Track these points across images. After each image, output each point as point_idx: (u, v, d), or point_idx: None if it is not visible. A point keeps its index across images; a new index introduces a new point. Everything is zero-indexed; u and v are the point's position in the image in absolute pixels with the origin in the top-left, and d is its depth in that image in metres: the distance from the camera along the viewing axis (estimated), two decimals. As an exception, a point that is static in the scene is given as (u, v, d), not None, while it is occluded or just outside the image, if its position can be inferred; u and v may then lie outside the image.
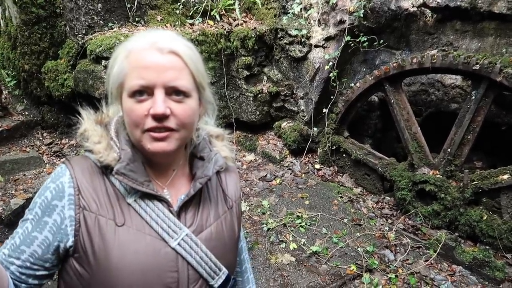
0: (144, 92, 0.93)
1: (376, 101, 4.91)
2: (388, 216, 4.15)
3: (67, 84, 4.63)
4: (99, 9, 4.39)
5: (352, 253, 3.54)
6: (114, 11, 4.47)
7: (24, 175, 4.31)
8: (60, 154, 4.80)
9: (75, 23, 4.44)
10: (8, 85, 5.43)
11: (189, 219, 1.03)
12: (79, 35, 4.49)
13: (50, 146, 4.92)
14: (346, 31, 4.30)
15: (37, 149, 4.83)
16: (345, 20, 4.33)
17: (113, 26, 4.46)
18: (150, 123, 0.92)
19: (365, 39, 4.23)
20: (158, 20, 4.67)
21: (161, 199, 1.01)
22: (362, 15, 4.13)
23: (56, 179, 0.98)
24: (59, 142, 4.99)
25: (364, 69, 4.70)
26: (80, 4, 4.31)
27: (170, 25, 4.70)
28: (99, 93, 4.25)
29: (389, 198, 4.42)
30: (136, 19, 4.59)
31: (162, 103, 0.91)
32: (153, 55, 0.93)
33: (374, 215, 4.14)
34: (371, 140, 5.02)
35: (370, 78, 4.22)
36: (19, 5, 4.54)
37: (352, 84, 4.54)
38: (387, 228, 3.93)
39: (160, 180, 1.07)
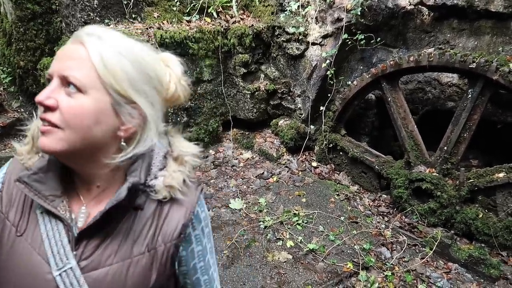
0: (48, 82, 0.85)
1: (373, 99, 4.92)
2: (385, 214, 4.17)
3: (63, 81, 4.61)
4: (95, 6, 4.37)
5: (348, 251, 3.55)
6: (110, 8, 4.45)
7: (20, 172, 4.28)
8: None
9: (71, 19, 4.41)
10: (3, 81, 5.39)
11: (88, 251, 0.87)
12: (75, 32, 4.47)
13: (46, 143, 4.89)
14: (344, 29, 4.30)
15: (33, 146, 4.80)
16: (343, 18, 4.32)
17: (109, 23, 4.44)
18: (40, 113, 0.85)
19: (362, 37, 4.24)
20: (154, 17, 4.65)
21: (61, 219, 0.88)
22: (359, 13, 4.13)
23: None
24: (55, 140, 4.97)
25: (361, 67, 4.71)
26: (76, 0, 4.28)
27: (167, 21, 4.68)
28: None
29: (385, 196, 4.43)
30: (133, 15, 4.56)
31: (47, 91, 0.82)
32: (66, 45, 0.86)
33: (371, 213, 4.15)
34: (368, 138, 5.03)
35: (367, 76, 4.22)
36: (14, 1, 4.50)
37: (349, 82, 4.54)
38: (383, 226, 3.95)
39: (85, 195, 0.94)
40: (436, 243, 3.61)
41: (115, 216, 0.88)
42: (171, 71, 0.96)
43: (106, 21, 4.43)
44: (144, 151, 0.92)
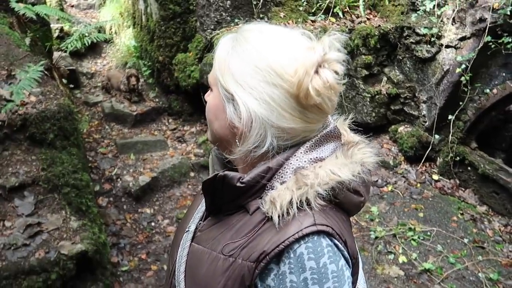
0: None
1: (515, 111, 4.32)
2: (519, 243, 3.64)
3: (193, 76, 5.00)
4: (228, 6, 4.65)
5: (471, 278, 3.19)
6: (241, 8, 4.69)
7: (151, 155, 4.80)
8: (182, 140, 5.23)
9: (205, 19, 4.77)
10: (144, 74, 6.09)
11: (205, 226, 0.94)
12: (208, 30, 4.81)
13: (174, 131, 5.39)
14: (487, 31, 3.84)
15: (163, 133, 5.33)
16: (486, 18, 3.86)
17: (238, 22, 4.67)
18: None
19: (510, 40, 3.73)
20: (281, 17, 4.76)
21: None
22: (508, 13, 3.65)
23: None
24: (181, 129, 5.44)
25: (504, 74, 4.15)
26: (211, 1, 4.61)
27: (292, 21, 4.75)
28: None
29: (521, 222, 3.87)
30: (261, 15, 4.74)
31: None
32: None
33: (502, 240, 3.66)
34: (504, 155, 4.44)
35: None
36: (159, 2, 5.03)
37: (488, 90, 4.05)
38: (516, 257, 3.45)
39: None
40: None
41: (224, 206, 0.88)
42: (306, 59, 0.78)
43: (236, 20, 4.68)
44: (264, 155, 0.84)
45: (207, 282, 0.84)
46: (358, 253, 0.91)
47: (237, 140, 0.86)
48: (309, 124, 0.83)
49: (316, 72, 0.77)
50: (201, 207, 1.02)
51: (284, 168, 0.83)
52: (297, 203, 0.78)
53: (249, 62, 0.80)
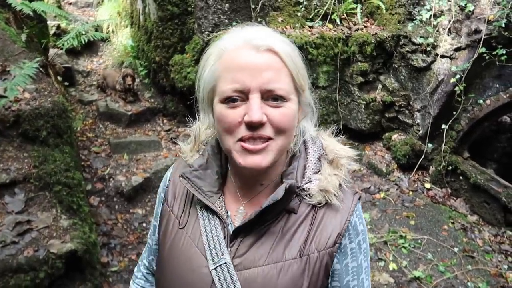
0: (238, 96, 0.82)
1: (507, 121, 4.37)
2: (509, 253, 3.66)
3: (189, 77, 4.99)
4: (226, 9, 4.65)
5: (460, 287, 3.22)
6: (239, 11, 4.70)
7: (145, 156, 4.78)
8: (176, 141, 5.22)
9: (203, 21, 4.77)
10: (140, 74, 6.07)
11: (242, 249, 0.88)
12: (205, 32, 4.81)
13: (168, 132, 5.37)
14: (482, 42, 3.89)
15: (157, 133, 5.31)
16: (481, 30, 3.91)
17: (236, 26, 4.69)
18: (243, 131, 0.82)
19: (504, 52, 3.77)
20: (279, 22, 4.77)
21: (218, 215, 0.92)
22: (503, 25, 3.69)
23: (167, 171, 1.11)
24: (176, 130, 5.42)
25: (497, 85, 4.19)
26: (210, 3, 4.61)
27: (290, 26, 4.77)
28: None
29: (511, 233, 3.89)
30: (259, 19, 4.75)
31: (258, 110, 0.80)
32: (248, 54, 0.82)
33: (491, 249, 3.68)
34: (495, 165, 4.48)
35: (505, 96, 3.76)
36: (157, 3, 5.03)
37: (481, 101, 4.09)
38: (505, 267, 3.47)
39: (245, 193, 0.95)
40: None
41: (269, 217, 0.87)
42: None
43: (234, 23, 4.68)
44: (300, 150, 0.95)
45: None
46: None
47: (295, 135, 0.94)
48: None
49: None
50: (212, 237, 0.91)
51: (311, 160, 0.93)
52: (344, 182, 0.91)
53: (303, 63, 0.90)
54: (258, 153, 0.82)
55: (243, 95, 0.82)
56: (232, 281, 0.85)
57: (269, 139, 0.83)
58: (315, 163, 0.92)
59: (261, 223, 0.88)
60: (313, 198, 0.88)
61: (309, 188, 0.89)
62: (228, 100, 0.83)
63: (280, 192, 0.84)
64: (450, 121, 4.35)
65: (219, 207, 0.93)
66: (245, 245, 0.88)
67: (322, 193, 0.88)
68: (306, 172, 0.91)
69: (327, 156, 0.94)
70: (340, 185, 0.90)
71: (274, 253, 0.86)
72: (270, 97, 0.82)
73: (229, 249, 0.89)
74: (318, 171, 0.91)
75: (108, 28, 7.14)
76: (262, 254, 0.86)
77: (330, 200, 0.88)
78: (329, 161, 0.93)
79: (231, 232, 0.90)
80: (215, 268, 0.87)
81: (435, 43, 4.37)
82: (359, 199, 0.94)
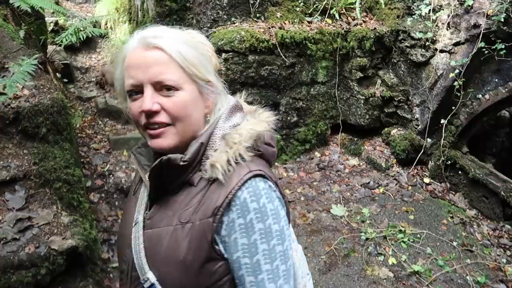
0: (136, 90, 0.97)
1: (506, 116, 4.38)
2: (507, 247, 3.68)
3: (188, 73, 5.00)
4: (225, 4, 4.63)
5: (459, 281, 3.23)
6: (238, 7, 4.68)
7: (144, 152, 4.77)
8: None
9: (201, 16, 4.75)
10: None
11: (152, 213, 1.03)
12: (204, 28, 4.79)
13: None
14: (481, 37, 3.88)
15: (156, 130, 5.31)
16: (480, 25, 3.91)
17: (235, 21, 4.67)
18: (143, 119, 0.97)
19: (503, 46, 3.77)
20: (277, 17, 4.76)
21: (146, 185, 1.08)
22: (502, 20, 3.69)
23: None
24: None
25: (496, 80, 4.20)
26: (208, -1, 4.60)
27: (289, 22, 4.75)
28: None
29: (510, 227, 3.91)
30: (257, 15, 4.73)
31: (149, 99, 0.94)
32: (139, 53, 0.96)
33: (490, 243, 3.71)
34: (494, 160, 4.50)
35: (504, 91, 3.77)
36: (156, -1, 5.01)
37: (480, 96, 4.10)
38: (504, 261, 3.49)
39: None
40: None
41: (172, 187, 1.01)
42: (206, 45, 1.07)
43: (233, 19, 4.67)
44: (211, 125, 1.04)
45: (171, 254, 0.96)
46: (286, 197, 1.08)
47: (208, 117, 1.05)
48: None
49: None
50: (142, 201, 1.09)
51: (212, 139, 1.02)
52: (232, 159, 0.96)
53: (201, 53, 1.02)
54: (159, 137, 0.97)
55: (140, 89, 0.96)
56: (138, 237, 1.02)
57: (167, 124, 0.96)
58: (215, 141, 1.01)
59: (167, 193, 1.02)
60: (207, 173, 0.98)
61: (205, 164, 0.99)
62: (130, 94, 0.99)
63: (156, 162, 0.97)
64: (449, 116, 4.36)
65: (148, 179, 1.05)
66: (155, 211, 1.03)
67: (212, 168, 0.97)
68: (207, 150, 1.01)
69: (229, 134, 1.02)
70: (228, 161, 0.96)
71: (168, 218, 0.99)
72: (163, 87, 0.95)
73: (147, 212, 1.05)
74: (217, 149, 1.01)
75: (106, 24, 7.11)
76: (163, 218, 1.00)
77: (216, 175, 0.96)
78: (222, 138, 1.01)
79: (150, 198, 1.06)
80: (134, 226, 1.05)
81: (434, 38, 4.37)
82: (256, 177, 0.96)
